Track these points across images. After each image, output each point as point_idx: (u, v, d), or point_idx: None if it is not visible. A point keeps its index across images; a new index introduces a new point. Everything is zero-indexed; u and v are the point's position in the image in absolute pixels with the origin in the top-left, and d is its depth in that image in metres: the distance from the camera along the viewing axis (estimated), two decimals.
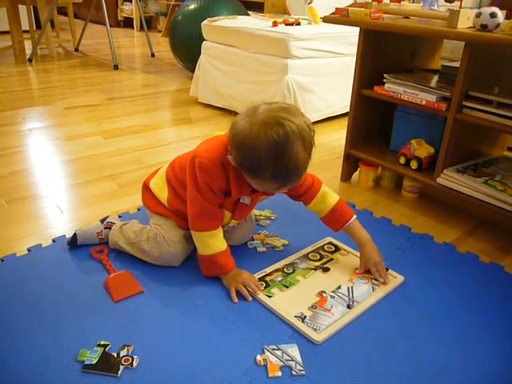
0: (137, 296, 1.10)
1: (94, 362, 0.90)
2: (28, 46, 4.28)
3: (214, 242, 1.13)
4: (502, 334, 1.04)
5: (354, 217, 1.23)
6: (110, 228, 1.26)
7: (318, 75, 2.33)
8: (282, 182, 0.99)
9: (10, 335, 0.96)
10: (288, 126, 0.93)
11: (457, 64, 1.42)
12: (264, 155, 0.94)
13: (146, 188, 1.29)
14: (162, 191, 1.23)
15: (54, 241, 1.30)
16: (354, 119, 1.70)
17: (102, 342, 0.95)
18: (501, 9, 1.25)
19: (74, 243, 1.25)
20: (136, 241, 1.20)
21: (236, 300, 1.09)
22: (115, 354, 0.92)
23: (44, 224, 1.41)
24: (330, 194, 1.25)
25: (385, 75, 1.58)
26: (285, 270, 1.21)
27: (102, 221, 1.29)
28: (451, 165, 1.48)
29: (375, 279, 1.18)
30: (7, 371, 0.88)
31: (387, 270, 1.21)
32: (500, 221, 1.49)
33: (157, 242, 1.17)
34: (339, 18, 1.56)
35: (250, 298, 1.10)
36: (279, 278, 1.17)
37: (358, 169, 1.79)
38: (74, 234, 1.26)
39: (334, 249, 1.32)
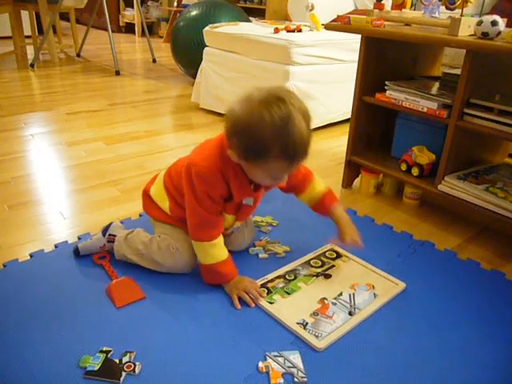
0: (139, 302, 1.10)
1: (97, 368, 0.90)
2: (30, 51, 4.29)
3: (215, 252, 1.13)
4: (504, 340, 1.04)
5: (338, 202, 1.27)
6: (113, 242, 1.23)
7: (320, 82, 2.34)
8: (290, 158, 0.97)
9: (12, 341, 0.96)
10: (288, 100, 0.94)
11: (458, 71, 1.42)
12: (270, 131, 0.92)
13: (146, 195, 1.27)
14: (163, 200, 1.21)
15: (56, 246, 1.30)
16: (356, 126, 1.71)
17: (104, 348, 0.95)
18: (502, 16, 1.26)
19: (77, 254, 1.25)
20: (146, 252, 1.18)
21: (239, 307, 1.09)
22: (117, 361, 0.92)
23: (46, 230, 1.41)
24: (319, 182, 1.27)
25: (386, 82, 1.59)
26: (286, 276, 1.21)
27: (104, 230, 1.26)
28: (452, 172, 1.49)
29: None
30: (9, 377, 0.88)
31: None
32: (501, 228, 1.49)
33: (170, 252, 1.15)
34: (341, 25, 1.57)
35: (253, 305, 1.10)
36: (281, 285, 1.17)
37: (360, 175, 1.79)
38: (77, 248, 1.25)
39: (335, 255, 1.32)
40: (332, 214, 1.25)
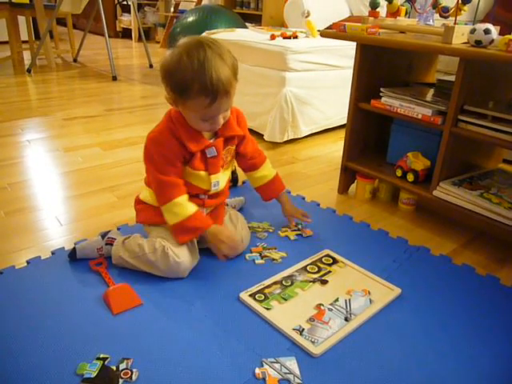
0: (136, 309, 1.10)
1: (94, 375, 0.90)
2: (27, 56, 4.30)
3: (180, 210, 1.19)
4: (499, 345, 1.05)
5: (285, 189, 1.47)
6: (111, 244, 1.25)
7: (316, 88, 2.35)
8: (210, 94, 1.07)
9: (8, 348, 0.97)
10: (207, 44, 1.08)
11: (452, 78, 1.44)
12: (189, 71, 1.06)
13: (139, 202, 1.34)
14: (152, 196, 1.27)
15: (52, 253, 1.30)
16: (351, 132, 1.72)
17: (102, 355, 0.95)
18: (495, 23, 1.27)
19: (73, 257, 1.25)
20: (142, 254, 1.19)
21: (225, 259, 1.25)
22: (114, 368, 0.92)
23: (43, 236, 1.41)
24: (270, 166, 1.46)
25: (381, 89, 1.60)
26: (283, 282, 1.22)
27: (103, 236, 1.28)
28: (447, 178, 1.50)
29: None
30: None
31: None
32: (496, 233, 1.50)
33: (165, 253, 1.17)
34: (336, 32, 1.59)
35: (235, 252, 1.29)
36: (278, 291, 1.18)
37: (355, 181, 1.80)
38: (74, 248, 1.26)
39: (331, 261, 1.32)
40: (279, 199, 1.46)
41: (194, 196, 1.26)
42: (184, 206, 1.20)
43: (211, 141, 1.23)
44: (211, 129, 1.18)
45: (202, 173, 1.23)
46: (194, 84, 1.06)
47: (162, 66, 1.12)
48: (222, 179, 1.29)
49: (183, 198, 1.20)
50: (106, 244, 1.26)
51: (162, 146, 1.17)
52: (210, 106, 1.09)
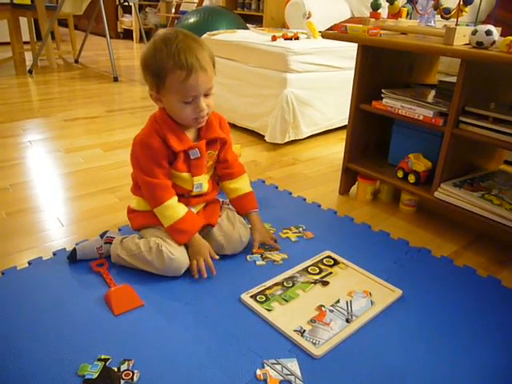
0: (137, 309, 1.10)
1: (95, 376, 0.90)
2: (28, 57, 4.31)
3: (171, 213, 1.22)
4: (500, 347, 1.05)
5: (257, 208, 1.40)
6: (110, 243, 1.27)
7: (317, 89, 2.35)
8: (185, 68, 1.10)
9: (9, 349, 0.97)
10: (181, 32, 1.15)
11: (453, 79, 1.44)
12: (163, 54, 1.11)
13: (131, 211, 1.35)
14: (141, 203, 1.30)
15: (54, 254, 1.30)
16: (353, 133, 1.72)
17: (103, 357, 0.95)
18: (496, 24, 1.27)
19: (73, 258, 1.26)
20: (138, 252, 1.21)
21: (197, 276, 1.22)
22: (116, 369, 0.92)
23: (44, 237, 1.41)
24: (248, 181, 1.42)
25: (382, 90, 1.60)
26: (284, 283, 1.22)
27: (102, 235, 1.29)
28: (448, 179, 1.50)
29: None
30: None
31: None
32: (497, 235, 1.50)
33: (159, 251, 1.18)
34: (338, 34, 1.59)
35: (206, 275, 1.22)
36: (279, 292, 1.18)
37: (357, 182, 1.80)
38: (74, 249, 1.26)
39: (333, 262, 1.32)
40: (250, 217, 1.39)
41: (178, 195, 1.27)
42: (174, 209, 1.23)
43: (191, 139, 1.25)
44: (196, 116, 1.17)
45: (185, 174, 1.25)
46: (169, 62, 1.10)
47: (140, 58, 1.17)
48: (204, 181, 1.31)
49: (173, 201, 1.23)
50: (105, 243, 1.27)
51: (147, 146, 1.20)
52: (187, 80, 1.11)
